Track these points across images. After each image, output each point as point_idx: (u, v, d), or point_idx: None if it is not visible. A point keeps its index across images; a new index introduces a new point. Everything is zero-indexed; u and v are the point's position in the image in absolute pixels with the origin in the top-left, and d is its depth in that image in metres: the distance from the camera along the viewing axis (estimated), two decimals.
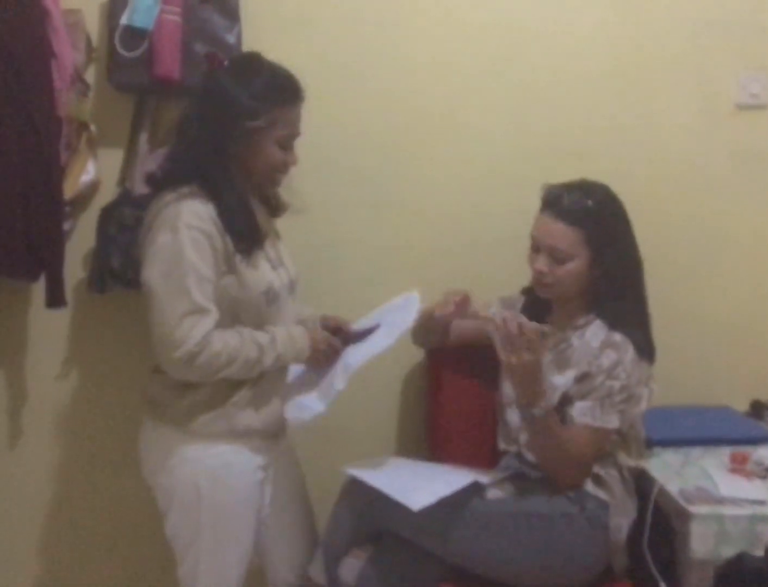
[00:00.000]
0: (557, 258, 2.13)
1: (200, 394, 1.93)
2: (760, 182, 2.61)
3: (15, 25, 2.10)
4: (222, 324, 1.90)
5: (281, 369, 2.05)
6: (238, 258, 1.91)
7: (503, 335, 1.96)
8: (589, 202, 2.12)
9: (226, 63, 1.96)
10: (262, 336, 1.94)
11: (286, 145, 1.97)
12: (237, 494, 1.99)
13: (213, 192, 1.89)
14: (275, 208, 2.14)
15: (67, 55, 2.21)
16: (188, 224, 1.84)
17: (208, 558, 1.98)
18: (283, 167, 1.99)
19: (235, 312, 1.95)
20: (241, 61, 2.01)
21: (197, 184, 1.89)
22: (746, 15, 2.53)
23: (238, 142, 1.90)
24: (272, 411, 2.03)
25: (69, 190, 2.26)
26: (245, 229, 1.92)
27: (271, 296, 1.99)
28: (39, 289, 2.30)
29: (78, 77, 2.27)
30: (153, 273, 1.86)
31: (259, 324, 1.98)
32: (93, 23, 2.32)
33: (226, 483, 1.97)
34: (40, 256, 2.20)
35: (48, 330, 2.44)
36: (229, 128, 1.88)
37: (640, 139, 2.56)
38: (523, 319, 1.96)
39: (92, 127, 2.32)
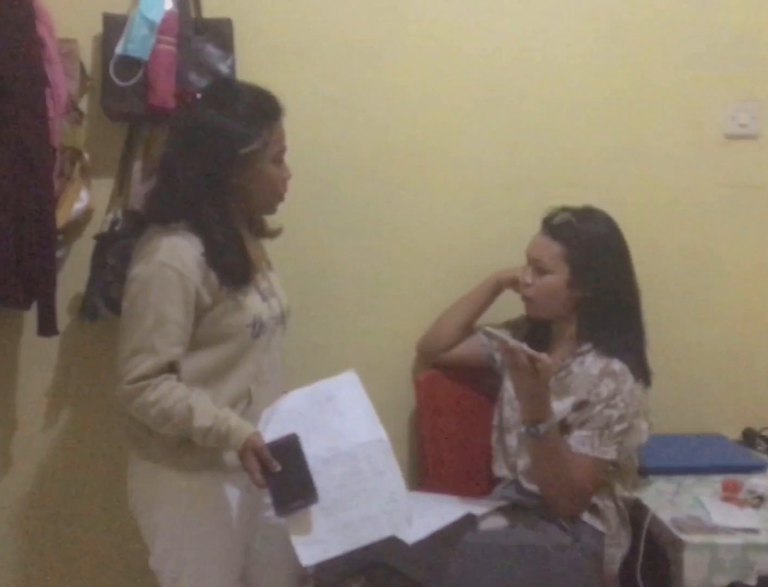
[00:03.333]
0: (539, 269, 2.20)
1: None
2: (749, 211, 2.63)
3: (9, 54, 2.10)
4: (201, 356, 1.89)
5: (270, 396, 1.98)
6: (224, 290, 1.88)
7: (513, 361, 1.98)
8: (573, 220, 2.18)
9: (198, 95, 1.95)
10: (202, 412, 1.82)
11: (280, 160, 1.96)
12: (221, 527, 1.97)
13: (204, 228, 1.86)
14: (266, 232, 2.13)
15: (62, 83, 2.21)
16: (162, 262, 1.81)
17: None
18: (283, 184, 1.98)
19: (214, 347, 1.91)
20: (216, 90, 2.00)
21: (187, 220, 1.86)
22: (734, 46, 2.55)
23: (237, 171, 1.87)
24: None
25: (62, 218, 2.26)
26: (235, 266, 1.90)
27: (257, 328, 1.95)
28: (31, 316, 2.29)
29: (72, 106, 2.27)
30: (123, 304, 1.87)
31: (243, 357, 1.94)
32: (87, 52, 2.33)
33: (211, 518, 1.95)
34: (32, 285, 2.19)
35: (39, 357, 2.43)
36: (224, 160, 1.85)
37: (630, 169, 2.58)
38: (527, 349, 1.98)
39: (85, 155, 2.32)
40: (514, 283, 2.36)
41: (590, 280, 2.17)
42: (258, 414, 1.92)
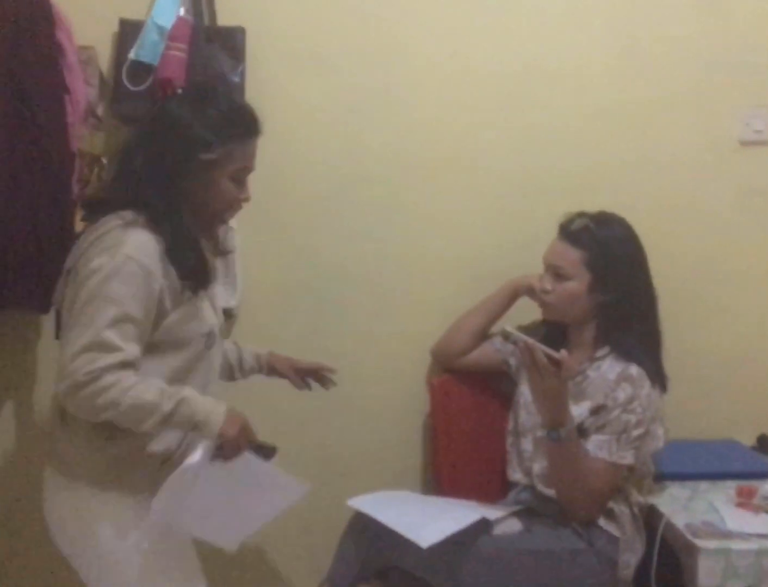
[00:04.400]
0: (559, 276, 2.20)
1: (120, 447, 1.78)
2: (764, 217, 2.63)
3: (30, 61, 2.14)
4: (153, 362, 1.78)
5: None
6: (186, 295, 1.80)
7: (532, 360, 1.98)
8: (592, 226, 2.19)
9: (179, 91, 1.92)
10: (171, 388, 1.74)
11: (240, 179, 1.86)
12: (170, 539, 1.84)
13: (160, 224, 1.77)
14: (218, 249, 2.04)
15: (81, 90, 2.24)
16: (128, 255, 1.71)
17: None
18: (236, 203, 1.88)
19: (168, 353, 1.81)
20: (196, 91, 1.95)
21: (144, 214, 1.77)
22: (748, 53, 2.56)
23: (190, 174, 1.79)
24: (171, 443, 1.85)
25: (80, 223, 2.28)
26: (195, 266, 1.82)
27: (211, 339, 1.88)
28: (50, 319, 2.30)
29: (91, 112, 2.30)
30: (77, 295, 1.73)
31: (194, 368, 1.86)
32: (104, 58, 2.36)
33: (159, 533, 1.80)
34: (51, 289, 2.21)
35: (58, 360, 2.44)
36: (180, 159, 1.78)
37: (645, 175, 2.59)
38: (543, 347, 1.99)
39: (104, 161, 2.34)
40: (530, 291, 2.36)
41: (610, 285, 2.18)
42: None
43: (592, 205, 2.30)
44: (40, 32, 2.16)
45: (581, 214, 2.25)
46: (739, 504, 2.15)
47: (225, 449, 1.76)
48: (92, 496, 1.79)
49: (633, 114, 2.57)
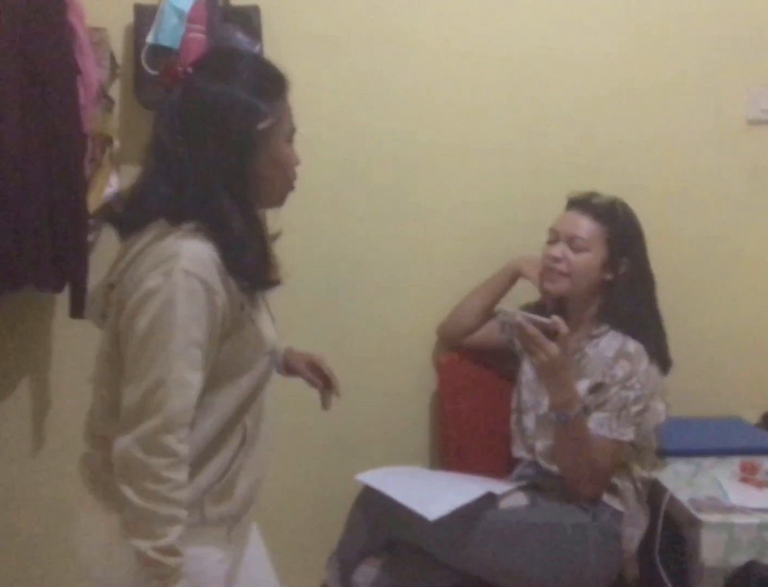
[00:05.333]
0: (575, 246, 2.21)
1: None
2: None
3: (42, 43, 2.16)
4: (212, 393, 1.55)
5: (250, 446, 1.66)
6: (246, 310, 1.58)
7: (526, 337, 2.00)
8: (617, 207, 2.23)
9: (189, 69, 1.60)
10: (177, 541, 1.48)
11: (292, 140, 1.65)
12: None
13: (222, 226, 1.53)
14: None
15: (92, 71, 2.26)
16: (186, 270, 1.47)
17: None
18: (293, 171, 1.66)
19: (231, 381, 1.59)
20: (215, 60, 1.68)
21: (198, 220, 1.53)
22: (755, 31, 2.57)
23: (254, 151, 1.56)
24: (245, 491, 1.67)
25: (93, 203, 2.31)
26: (261, 266, 1.60)
27: (273, 357, 1.69)
28: (64, 299, 2.35)
29: (102, 93, 2.33)
30: (134, 325, 1.48)
31: (255, 396, 1.65)
32: (117, 42, 2.38)
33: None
34: (65, 268, 2.26)
35: (72, 339, 2.48)
36: (242, 139, 1.54)
37: (652, 155, 2.60)
38: (535, 317, 2.01)
39: (115, 142, 2.37)
40: (531, 275, 2.39)
41: (622, 264, 2.21)
42: (252, 455, 1.67)
43: (600, 186, 2.32)
44: (52, 14, 2.18)
45: (594, 193, 2.27)
46: (743, 480, 2.16)
47: None
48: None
49: (640, 94, 2.58)
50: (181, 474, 1.47)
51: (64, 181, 2.22)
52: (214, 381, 1.54)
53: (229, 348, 1.56)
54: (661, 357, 2.20)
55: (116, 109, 2.40)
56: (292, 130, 1.65)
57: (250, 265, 1.56)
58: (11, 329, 2.48)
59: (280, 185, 1.65)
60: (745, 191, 2.64)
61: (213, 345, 1.52)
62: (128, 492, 1.45)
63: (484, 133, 2.55)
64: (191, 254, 1.49)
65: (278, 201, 1.68)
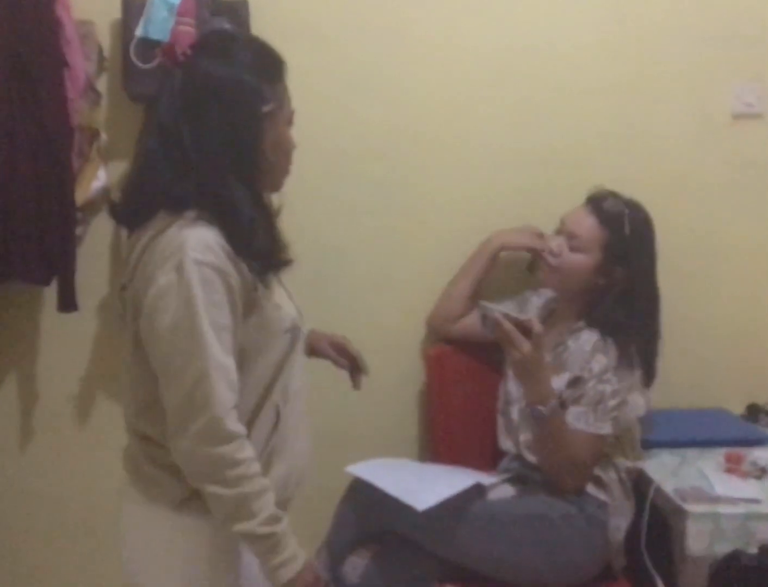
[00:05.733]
0: (572, 245, 2.22)
1: None
2: (756, 189, 2.65)
3: (29, 36, 2.17)
4: (240, 375, 1.54)
5: (284, 428, 1.68)
6: (260, 291, 1.57)
7: (502, 333, 2.01)
8: (627, 213, 2.22)
9: (188, 51, 1.59)
10: (273, 509, 1.53)
11: (291, 123, 1.66)
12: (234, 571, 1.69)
13: (229, 211, 1.52)
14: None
15: (80, 65, 2.26)
16: (197, 260, 1.47)
17: None
18: (291, 154, 1.67)
19: (252, 361, 1.59)
20: (217, 41, 1.66)
21: (201, 207, 1.53)
22: (740, 27, 2.57)
23: (259, 134, 1.56)
24: (281, 477, 1.67)
25: (81, 197, 2.31)
26: (272, 247, 1.60)
27: (295, 334, 1.66)
28: (51, 292, 2.35)
29: (90, 86, 2.32)
30: (157, 325, 1.48)
31: (279, 373, 1.64)
32: (104, 35, 2.38)
33: (235, 568, 1.67)
34: (53, 261, 2.26)
35: (59, 333, 2.49)
36: (249, 121, 1.54)
37: (639, 149, 2.61)
38: (512, 314, 2.02)
39: (103, 135, 2.37)
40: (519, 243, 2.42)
41: (617, 272, 2.21)
42: (286, 438, 1.68)
43: (586, 180, 2.35)
44: (40, 7, 2.19)
45: (613, 194, 2.27)
46: (728, 470, 2.18)
47: None
48: (168, 519, 1.61)
49: (626, 89, 2.58)
50: (249, 449, 1.51)
51: (52, 175, 2.22)
52: (239, 360, 1.54)
53: (247, 330, 1.55)
54: (646, 370, 2.21)
55: (104, 102, 2.40)
56: (292, 113, 1.65)
57: (261, 248, 1.56)
58: None
59: (281, 168, 1.65)
60: (730, 184, 2.65)
61: (238, 326, 1.52)
62: (214, 489, 1.49)
63: (472, 126, 2.56)
64: (197, 242, 1.48)
65: (277, 185, 1.68)
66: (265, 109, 1.55)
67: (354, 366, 2.01)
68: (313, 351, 2.00)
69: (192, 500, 1.57)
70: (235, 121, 1.53)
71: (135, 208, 1.60)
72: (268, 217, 1.63)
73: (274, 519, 1.52)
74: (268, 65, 1.61)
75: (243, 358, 1.56)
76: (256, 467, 1.51)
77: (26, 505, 2.58)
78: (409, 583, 2.15)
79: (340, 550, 2.17)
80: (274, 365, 1.63)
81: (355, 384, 2.02)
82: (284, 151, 1.64)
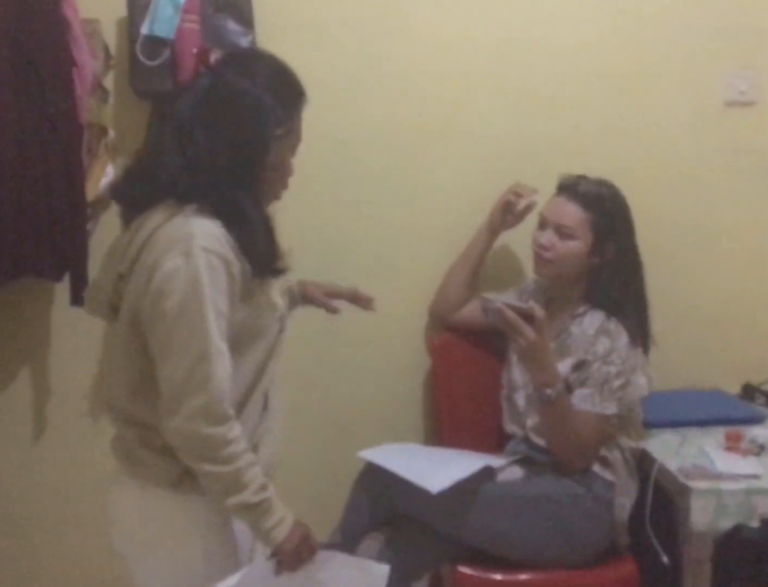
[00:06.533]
0: (562, 234, 2.27)
1: None
2: (748, 176, 2.71)
3: (38, 36, 2.18)
4: (237, 358, 1.62)
5: (271, 421, 1.79)
6: (256, 282, 1.66)
7: (506, 323, 2.06)
8: (604, 191, 2.29)
9: (217, 57, 1.78)
10: (261, 478, 1.62)
11: (295, 152, 1.72)
12: (230, 547, 1.77)
13: (230, 210, 1.60)
14: None
15: (87, 63, 2.28)
16: (204, 247, 1.54)
17: None
18: (289, 179, 1.74)
19: (246, 347, 1.67)
20: (243, 57, 1.78)
21: (202, 204, 1.60)
22: (732, 16, 2.63)
23: (266, 153, 1.62)
24: (266, 458, 1.76)
25: (91, 193, 2.33)
26: (269, 251, 1.67)
27: (283, 323, 1.77)
28: (62, 287, 2.38)
29: (97, 84, 2.35)
30: (161, 307, 1.54)
31: (269, 360, 1.73)
32: (110, 33, 2.40)
33: (222, 539, 1.74)
34: (65, 256, 2.29)
35: (71, 327, 2.51)
36: (262, 138, 1.61)
37: (633, 138, 2.66)
38: (514, 303, 2.08)
39: (111, 132, 2.40)
40: (505, 206, 2.47)
41: (608, 249, 2.28)
42: (271, 422, 1.78)
43: (582, 167, 2.39)
44: (47, 6, 2.20)
45: (583, 177, 2.33)
46: (728, 448, 2.23)
47: (283, 560, 1.67)
48: (164, 499, 1.67)
49: (621, 79, 2.63)
50: (238, 428, 1.58)
51: (62, 171, 2.24)
52: (234, 346, 1.61)
53: (244, 315, 1.63)
54: (642, 338, 2.27)
55: (111, 99, 2.43)
56: (298, 142, 1.72)
57: (259, 252, 1.63)
58: (11, 318, 2.50)
59: (272, 190, 1.72)
60: (723, 171, 2.71)
61: (232, 314, 1.60)
62: (209, 467, 1.57)
63: (472, 117, 2.60)
64: (204, 232, 1.56)
65: (266, 203, 1.74)
66: (277, 131, 1.63)
67: (355, 297, 2.15)
68: (306, 298, 2.12)
69: (184, 479, 1.64)
70: (247, 132, 1.61)
71: (140, 192, 1.66)
72: (268, 224, 1.69)
73: (264, 487, 1.61)
74: (288, 92, 1.67)
75: (238, 344, 1.63)
76: (244, 443, 1.60)
77: (39, 497, 2.61)
78: (422, 565, 2.21)
79: (354, 534, 2.21)
80: (266, 351, 1.71)
81: (366, 305, 2.15)
82: (281, 175, 1.71)
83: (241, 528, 1.74)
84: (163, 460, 1.64)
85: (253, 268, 1.63)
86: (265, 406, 1.76)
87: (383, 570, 1.84)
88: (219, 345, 1.55)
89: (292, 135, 1.68)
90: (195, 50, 2.13)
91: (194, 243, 1.54)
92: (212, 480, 1.59)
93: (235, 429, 1.58)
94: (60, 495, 2.62)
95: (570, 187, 2.32)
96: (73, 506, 2.62)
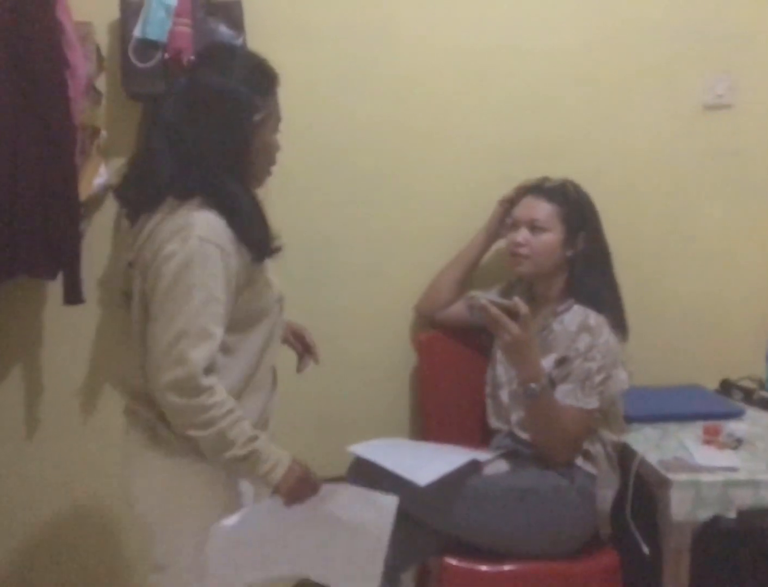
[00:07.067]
0: (535, 229, 2.35)
1: None
2: (725, 177, 2.77)
3: (32, 39, 2.21)
4: (239, 337, 1.79)
5: (267, 369, 1.91)
6: (255, 267, 1.80)
7: (490, 319, 2.11)
8: (568, 186, 2.38)
9: (192, 58, 1.90)
10: (249, 431, 1.74)
11: (278, 130, 1.87)
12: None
13: (227, 201, 1.74)
14: None
15: (81, 65, 2.31)
16: (201, 236, 1.68)
17: None
18: (275, 156, 1.88)
19: (251, 327, 1.82)
20: (217, 54, 1.88)
21: (204, 197, 1.74)
22: (711, 22, 2.69)
23: (249, 139, 1.76)
24: (260, 410, 1.90)
25: (84, 193, 2.36)
26: (265, 237, 1.81)
27: (281, 303, 1.93)
28: (54, 286, 2.41)
29: (90, 86, 2.38)
30: (156, 287, 1.70)
31: (271, 339, 1.88)
32: (102, 34, 2.43)
33: (228, 505, 1.86)
34: (58, 255, 2.32)
35: (64, 326, 2.55)
36: (241, 127, 1.75)
37: (614, 140, 2.72)
38: (498, 300, 2.13)
39: (103, 133, 2.43)
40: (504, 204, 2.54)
41: (579, 239, 2.36)
42: (275, 399, 1.95)
43: (565, 169, 2.47)
44: (41, 9, 2.22)
45: (545, 178, 2.43)
46: (706, 442, 2.28)
47: (284, 500, 1.80)
48: (185, 467, 1.80)
49: (602, 83, 2.69)
50: (219, 393, 1.69)
51: (56, 172, 2.28)
52: (239, 327, 1.78)
53: (247, 298, 1.79)
54: (619, 325, 2.33)
55: (103, 100, 2.45)
56: (278, 121, 1.88)
57: (255, 237, 1.78)
58: (4, 316, 2.53)
59: (263, 169, 1.87)
60: (701, 172, 2.77)
61: (231, 299, 1.73)
62: (193, 432, 1.70)
63: (458, 120, 2.65)
64: (204, 223, 1.71)
65: (259, 182, 1.90)
66: (256, 117, 1.77)
67: (306, 352, 2.19)
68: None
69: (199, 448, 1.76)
70: (229, 126, 1.75)
71: (143, 196, 1.80)
72: (259, 209, 1.83)
73: (252, 439, 1.72)
74: (262, 79, 1.81)
75: (243, 324, 1.79)
76: (226, 405, 1.70)
77: (31, 493, 2.63)
78: (410, 556, 2.25)
79: None
80: (269, 331, 1.86)
81: (300, 366, 2.19)
82: (268, 153, 1.85)
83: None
84: (176, 435, 1.76)
85: (251, 253, 1.77)
86: (274, 382, 1.93)
87: (392, 501, 1.94)
88: (205, 327, 1.67)
89: (271, 117, 1.82)
90: (166, 55, 2.22)
91: (193, 232, 1.68)
92: (200, 443, 1.71)
93: (215, 396, 1.68)
94: (52, 490, 2.65)
95: (536, 187, 2.42)
96: (65, 501, 2.66)
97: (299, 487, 1.81)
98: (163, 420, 1.77)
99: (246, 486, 1.92)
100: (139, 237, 1.78)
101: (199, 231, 1.69)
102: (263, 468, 1.75)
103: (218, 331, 1.71)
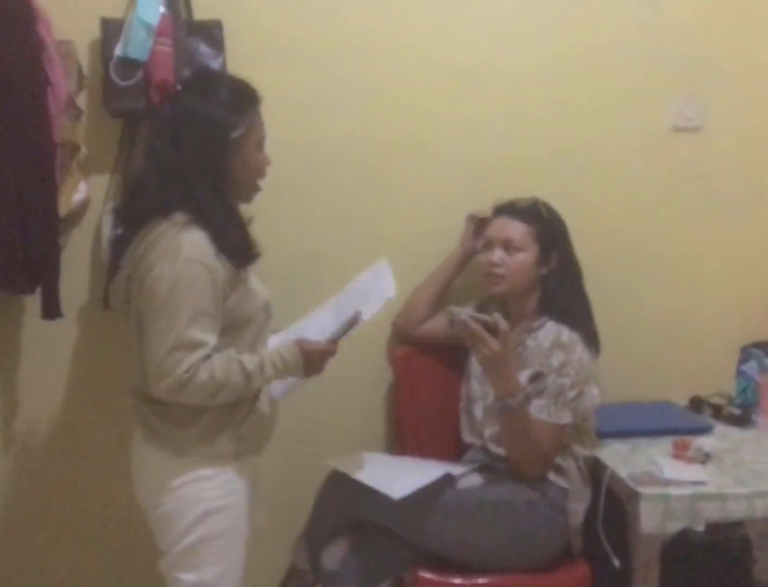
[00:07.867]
0: (510, 249, 2.40)
1: (202, 424, 1.94)
2: (694, 198, 2.84)
3: (13, 55, 2.21)
4: (224, 341, 1.92)
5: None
6: (240, 276, 1.94)
7: (469, 334, 2.14)
8: (539, 207, 2.43)
9: (179, 86, 2.04)
10: (250, 362, 1.92)
11: (261, 146, 2.02)
12: (242, 510, 2.03)
13: (204, 216, 1.89)
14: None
15: (62, 83, 2.32)
16: (188, 258, 1.85)
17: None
18: (264, 170, 2.03)
19: (237, 331, 1.97)
20: (198, 80, 2.07)
21: (185, 211, 1.89)
22: (680, 46, 2.76)
23: (227, 157, 1.92)
24: (265, 419, 2.08)
25: (63, 208, 2.37)
26: (242, 245, 1.94)
27: (269, 310, 2.05)
28: (32, 300, 2.41)
29: (71, 103, 2.39)
30: (149, 304, 1.87)
31: (257, 342, 2.02)
32: (83, 53, 2.45)
33: (236, 503, 2.01)
34: (37, 270, 2.31)
35: (41, 340, 2.54)
36: (216, 147, 1.91)
37: (585, 159, 2.77)
38: (478, 315, 2.17)
39: (83, 150, 2.44)
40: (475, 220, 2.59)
41: (553, 258, 2.41)
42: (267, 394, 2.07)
43: (536, 188, 2.52)
44: (22, 26, 2.23)
45: (516, 198, 2.47)
46: (675, 456, 2.32)
47: (317, 375, 2.06)
48: (185, 463, 1.95)
49: (575, 104, 2.75)
50: (206, 370, 1.85)
51: (36, 187, 2.27)
52: (228, 332, 1.93)
53: (232, 306, 1.93)
54: (592, 341, 2.38)
55: (84, 118, 2.47)
56: (262, 137, 2.02)
57: (233, 247, 1.92)
58: None
59: (248, 184, 2.02)
60: (670, 192, 2.83)
61: (220, 310, 1.89)
62: (209, 402, 1.91)
63: (436, 138, 2.70)
64: (190, 244, 1.86)
65: (247, 197, 2.06)
66: (234, 135, 1.92)
67: None
68: None
69: (200, 443, 1.94)
70: (207, 144, 1.91)
71: (134, 213, 1.98)
72: (238, 221, 1.98)
73: (260, 368, 1.92)
74: (240, 97, 1.97)
75: (232, 328, 1.94)
76: (220, 374, 1.86)
77: (8, 509, 2.62)
78: (385, 569, 2.27)
79: (320, 539, 2.29)
80: (254, 336, 2.00)
81: None
82: (251, 169, 2.00)
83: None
84: (178, 429, 1.94)
85: (231, 261, 1.91)
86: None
87: (383, 264, 2.21)
88: (192, 337, 1.84)
89: (251, 133, 1.97)
90: (153, 83, 2.29)
91: (180, 254, 1.85)
92: (234, 392, 1.91)
93: (203, 374, 1.84)
94: (28, 505, 2.63)
95: (508, 207, 2.46)
96: (43, 517, 2.65)
97: (310, 360, 2.00)
98: (157, 415, 1.95)
99: (240, 472, 2.02)
100: (136, 253, 1.93)
101: (186, 252, 1.85)
102: (282, 374, 1.98)
103: (210, 337, 1.88)
